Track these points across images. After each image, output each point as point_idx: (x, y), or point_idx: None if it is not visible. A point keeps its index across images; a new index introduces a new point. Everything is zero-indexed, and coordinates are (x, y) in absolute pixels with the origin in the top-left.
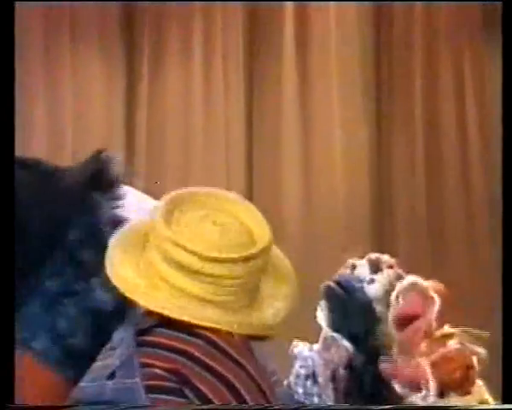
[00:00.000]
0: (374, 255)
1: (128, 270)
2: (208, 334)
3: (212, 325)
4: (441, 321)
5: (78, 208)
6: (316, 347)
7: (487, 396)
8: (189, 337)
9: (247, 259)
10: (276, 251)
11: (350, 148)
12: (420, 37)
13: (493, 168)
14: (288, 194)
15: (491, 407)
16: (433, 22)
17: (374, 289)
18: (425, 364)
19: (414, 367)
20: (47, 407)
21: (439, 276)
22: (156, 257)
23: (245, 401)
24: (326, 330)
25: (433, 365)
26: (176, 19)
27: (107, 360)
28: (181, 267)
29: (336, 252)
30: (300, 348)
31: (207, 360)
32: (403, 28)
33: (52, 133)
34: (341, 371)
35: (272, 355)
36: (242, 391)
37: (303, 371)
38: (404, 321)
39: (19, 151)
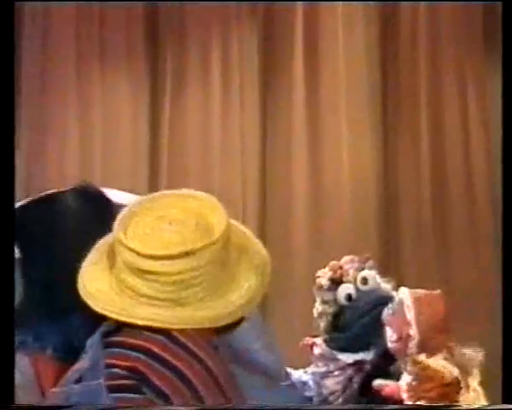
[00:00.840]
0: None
1: (93, 276)
2: (170, 330)
3: (157, 325)
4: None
5: None
6: (311, 369)
7: (479, 402)
8: (149, 334)
9: (187, 254)
10: (248, 240)
11: (357, 156)
12: (424, 46)
13: (496, 174)
14: (298, 202)
15: (491, 407)
16: (437, 29)
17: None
18: (402, 386)
19: (393, 388)
20: (47, 407)
21: (444, 280)
22: (118, 261)
23: (199, 395)
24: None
25: (410, 386)
26: (195, 44)
27: (78, 364)
28: (129, 267)
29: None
30: (298, 374)
31: (165, 355)
32: (408, 39)
33: (83, 153)
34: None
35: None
36: (199, 386)
37: (309, 394)
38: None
39: (53, 170)
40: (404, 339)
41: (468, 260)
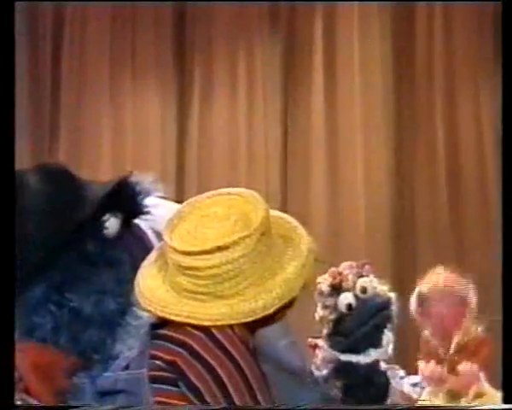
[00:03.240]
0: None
1: (149, 274)
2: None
3: (189, 321)
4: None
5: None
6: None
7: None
8: (191, 330)
9: (220, 248)
10: (289, 230)
11: (372, 160)
12: (438, 49)
13: None
14: (316, 201)
15: (492, 407)
16: (451, 33)
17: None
18: (474, 369)
19: (468, 373)
20: (47, 407)
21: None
22: (168, 261)
23: (229, 395)
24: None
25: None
26: (221, 53)
27: (128, 352)
28: (172, 263)
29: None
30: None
31: (203, 353)
32: (423, 45)
33: (115, 154)
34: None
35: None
36: (230, 387)
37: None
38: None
39: (88, 172)
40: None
41: (484, 262)
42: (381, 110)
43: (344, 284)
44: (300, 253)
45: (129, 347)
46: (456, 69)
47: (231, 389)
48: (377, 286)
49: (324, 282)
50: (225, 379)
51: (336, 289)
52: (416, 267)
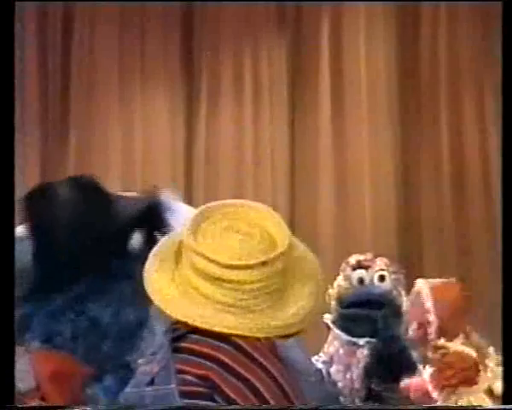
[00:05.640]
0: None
1: (161, 281)
2: (236, 339)
3: (231, 332)
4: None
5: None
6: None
7: (496, 382)
8: (218, 343)
9: (264, 263)
10: (303, 251)
11: (379, 162)
12: (443, 49)
13: None
14: (324, 206)
15: (492, 407)
16: (455, 33)
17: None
18: (426, 379)
19: (419, 382)
20: (47, 407)
21: (464, 277)
22: (186, 267)
23: (268, 403)
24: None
25: (433, 377)
26: (229, 55)
27: (147, 366)
28: (204, 275)
29: None
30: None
31: (234, 365)
32: (427, 48)
33: (124, 158)
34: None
35: None
36: (266, 394)
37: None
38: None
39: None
40: (423, 326)
41: (487, 256)
42: (386, 112)
43: (369, 269)
44: (314, 261)
45: (147, 357)
46: (460, 71)
47: (267, 396)
48: (401, 288)
49: (356, 257)
50: (260, 388)
51: (361, 268)
52: (420, 267)
